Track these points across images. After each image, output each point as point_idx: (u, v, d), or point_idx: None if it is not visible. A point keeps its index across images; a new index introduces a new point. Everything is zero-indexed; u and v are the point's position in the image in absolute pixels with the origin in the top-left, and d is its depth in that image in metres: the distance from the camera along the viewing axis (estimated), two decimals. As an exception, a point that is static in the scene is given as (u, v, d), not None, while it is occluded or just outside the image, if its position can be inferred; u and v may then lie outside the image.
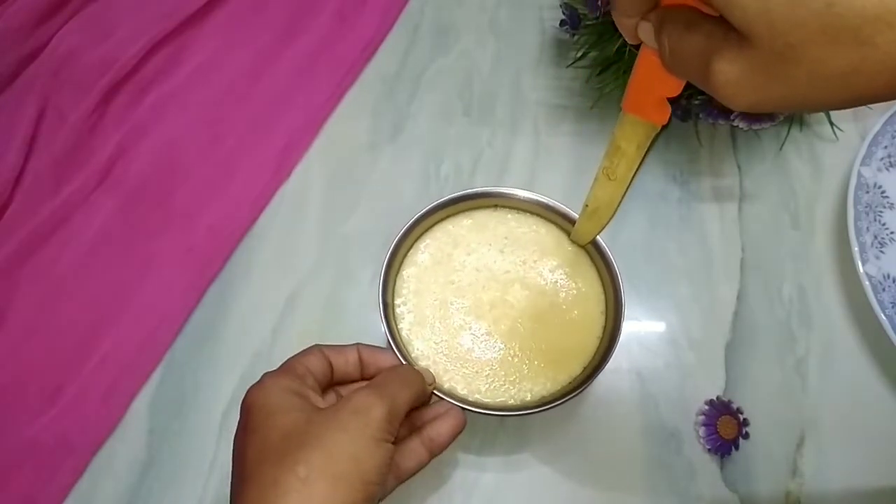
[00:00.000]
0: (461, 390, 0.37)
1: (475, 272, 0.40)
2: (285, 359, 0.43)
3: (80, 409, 0.41)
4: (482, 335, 0.39)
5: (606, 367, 0.43)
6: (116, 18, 0.54)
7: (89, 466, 0.40)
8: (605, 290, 0.40)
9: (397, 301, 0.39)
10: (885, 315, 0.41)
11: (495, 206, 0.42)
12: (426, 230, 0.41)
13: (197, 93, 0.52)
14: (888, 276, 0.42)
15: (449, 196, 0.40)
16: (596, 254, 0.40)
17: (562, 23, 0.51)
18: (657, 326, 0.44)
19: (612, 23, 0.46)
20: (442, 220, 0.41)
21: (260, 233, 0.47)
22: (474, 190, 0.41)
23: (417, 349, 0.38)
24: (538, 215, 0.42)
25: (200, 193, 0.48)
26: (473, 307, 0.39)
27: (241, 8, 0.56)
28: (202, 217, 0.47)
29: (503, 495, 0.39)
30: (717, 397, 0.41)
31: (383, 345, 0.42)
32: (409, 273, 0.40)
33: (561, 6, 0.51)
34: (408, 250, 0.40)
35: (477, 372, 0.38)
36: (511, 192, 0.41)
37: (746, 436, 0.40)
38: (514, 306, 0.39)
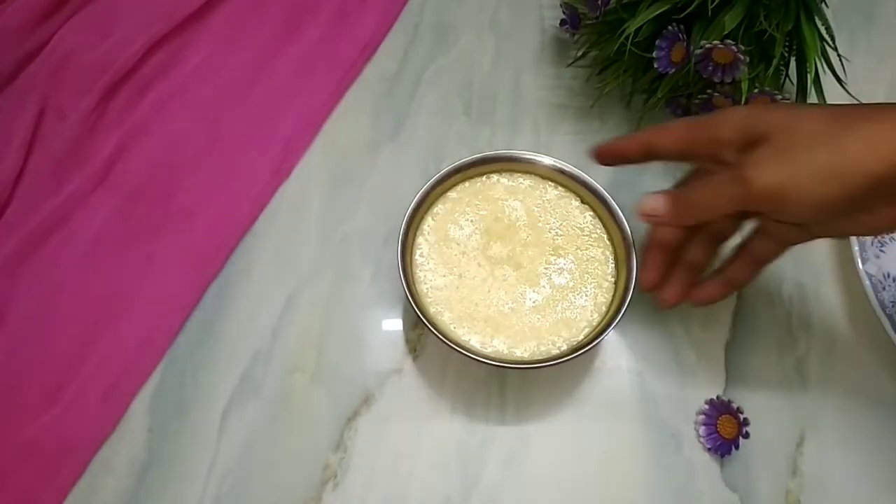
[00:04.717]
0: (521, 353, 0.38)
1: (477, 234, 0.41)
2: (285, 358, 0.43)
3: (80, 408, 0.41)
4: (513, 283, 0.39)
5: (607, 364, 0.43)
6: (116, 18, 0.54)
7: (89, 466, 0.40)
8: (615, 250, 0.40)
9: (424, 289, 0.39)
10: (886, 314, 0.41)
11: (485, 174, 0.43)
12: (415, 234, 0.41)
13: (197, 92, 0.52)
14: (888, 276, 0.42)
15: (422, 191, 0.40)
16: (608, 216, 0.41)
17: (562, 22, 0.52)
18: (657, 326, 0.44)
19: (612, 22, 0.46)
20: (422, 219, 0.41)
21: (260, 233, 0.47)
22: (447, 169, 0.41)
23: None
24: (529, 174, 0.43)
25: (200, 193, 0.48)
26: (493, 260, 0.40)
27: (240, 7, 0.56)
28: (202, 217, 0.47)
29: (502, 493, 0.39)
30: (717, 397, 0.41)
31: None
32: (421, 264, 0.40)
33: (561, 6, 0.51)
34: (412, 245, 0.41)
35: (523, 330, 0.38)
36: (474, 158, 0.42)
37: (746, 435, 0.40)
38: (526, 245, 0.40)
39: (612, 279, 0.40)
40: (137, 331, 0.43)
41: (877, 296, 0.41)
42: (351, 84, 0.53)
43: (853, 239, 0.43)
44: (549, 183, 0.42)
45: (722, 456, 0.40)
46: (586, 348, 0.37)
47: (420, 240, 0.40)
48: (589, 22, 0.50)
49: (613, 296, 0.39)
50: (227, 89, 0.52)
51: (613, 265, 0.40)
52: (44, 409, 0.40)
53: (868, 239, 0.43)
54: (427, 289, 0.39)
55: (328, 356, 0.43)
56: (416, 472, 0.40)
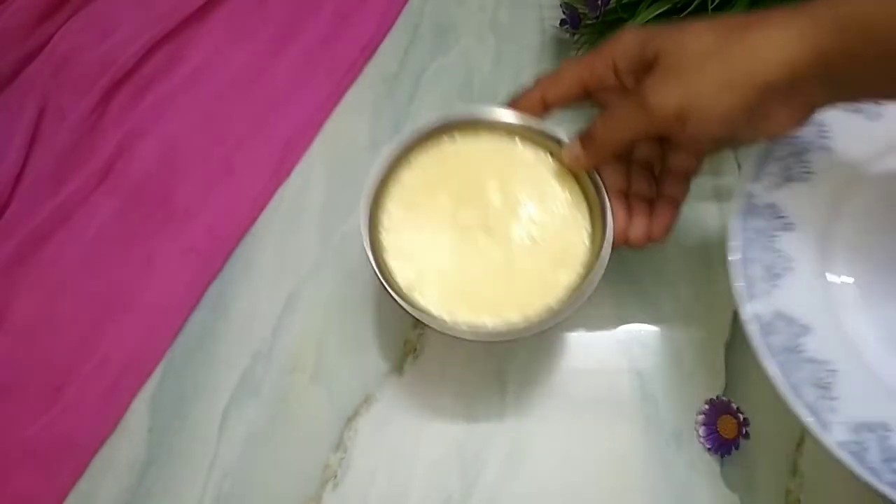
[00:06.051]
0: (517, 320, 0.36)
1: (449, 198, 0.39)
2: (285, 358, 0.43)
3: (80, 408, 0.41)
4: (486, 249, 0.37)
5: (607, 365, 0.43)
6: (116, 17, 0.54)
7: (89, 466, 0.40)
8: (587, 197, 0.39)
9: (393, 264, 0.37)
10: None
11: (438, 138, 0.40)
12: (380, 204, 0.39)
13: (197, 92, 0.52)
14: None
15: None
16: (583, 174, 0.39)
17: (562, 22, 0.52)
18: (657, 326, 0.44)
19: (612, 22, 0.46)
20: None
21: (260, 233, 0.47)
22: (404, 137, 0.38)
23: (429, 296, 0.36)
24: (492, 132, 0.40)
25: (200, 193, 0.48)
26: (464, 229, 0.38)
27: (240, 7, 0.56)
28: (202, 217, 0.47)
29: (502, 493, 0.39)
30: (717, 397, 0.41)
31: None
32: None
33: (561, 6, 0.51)
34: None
35: (505, 298, 0.36)
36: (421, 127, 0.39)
37: (746, 435, 0.40)
38: (497, 206, 0.39)
39: (588, 230, 0.38)
40: (137, 330, 0.43)
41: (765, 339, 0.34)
42: (351, 84, 0.53)
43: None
44: (514, 139, 0.40)
45: (722, 456, 0.40)
46: (582, 299, 0.35)
47: (388, 210, 0.38)
48: (589, 22, 0.50)
49: (592, 243, 0.38)
50: (228, 89, 0.52)
51: (587, 212, 0.39)
52: (44, 409, 0.40)
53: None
54: (402, 269, 0.37)
55: (328, 356, 0.43)
56: (416, 472, 0.40)
